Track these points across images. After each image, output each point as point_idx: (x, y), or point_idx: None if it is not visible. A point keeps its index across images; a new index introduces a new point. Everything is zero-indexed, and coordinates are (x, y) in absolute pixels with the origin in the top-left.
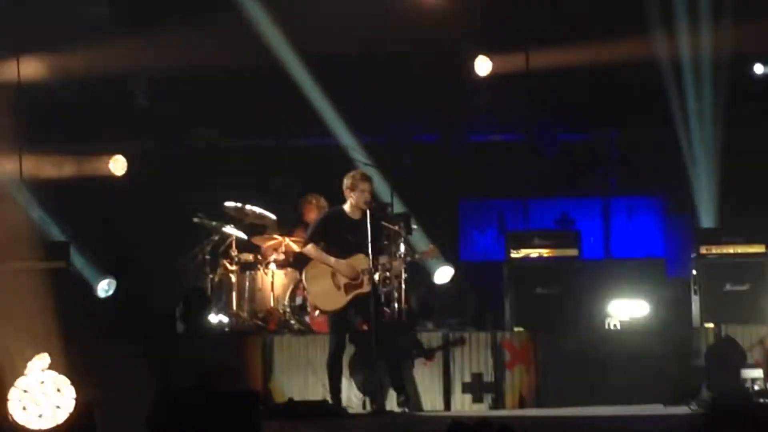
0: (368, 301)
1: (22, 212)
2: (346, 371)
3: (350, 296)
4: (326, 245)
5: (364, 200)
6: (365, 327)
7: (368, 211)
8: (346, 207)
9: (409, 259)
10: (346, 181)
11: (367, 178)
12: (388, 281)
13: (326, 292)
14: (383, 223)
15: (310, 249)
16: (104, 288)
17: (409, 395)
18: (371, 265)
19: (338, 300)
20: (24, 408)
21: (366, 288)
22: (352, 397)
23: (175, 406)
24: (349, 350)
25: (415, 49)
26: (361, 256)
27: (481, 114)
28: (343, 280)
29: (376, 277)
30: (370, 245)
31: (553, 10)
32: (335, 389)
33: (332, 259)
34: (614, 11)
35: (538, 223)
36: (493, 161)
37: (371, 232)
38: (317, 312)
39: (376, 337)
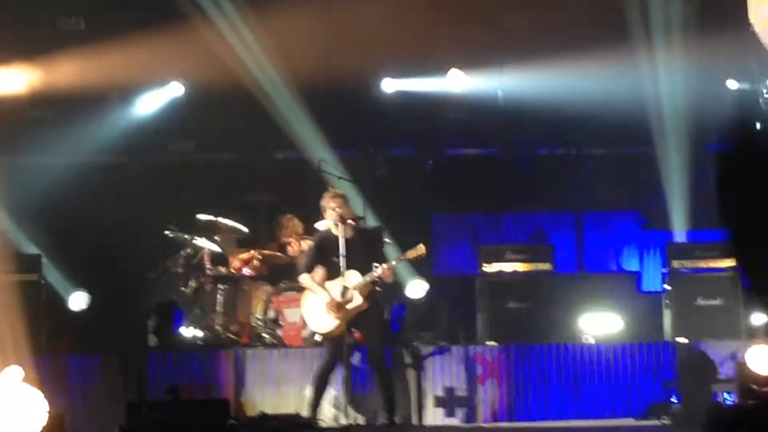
0: (363, 315)
1: None
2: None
3: (342, 315)
4: (324, 268)
5: (337, 216)
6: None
7: (341, 225)
8: (332, 228)
9: (394, 263)
10: (321, 204)
11: (336, 195)
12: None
13: (321, 317)
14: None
15: (302, 279)
16: (77, 301)
17: (393, 415)
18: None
19: (331, 322)
20: None
21: (356, 303)
22: (324, 410)
23: (148, 416)
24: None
25: (389, 63)
26: (350, 272)
27: (456, 128)
28: (334, 302)
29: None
30: (343, 259)
31: (528, 25)
32: (315, 405)
33: (321, 290)
34: (591, 27)
35: (511, 238)
36: (466, 175)
37: (362, 246)
38: (318, 337)
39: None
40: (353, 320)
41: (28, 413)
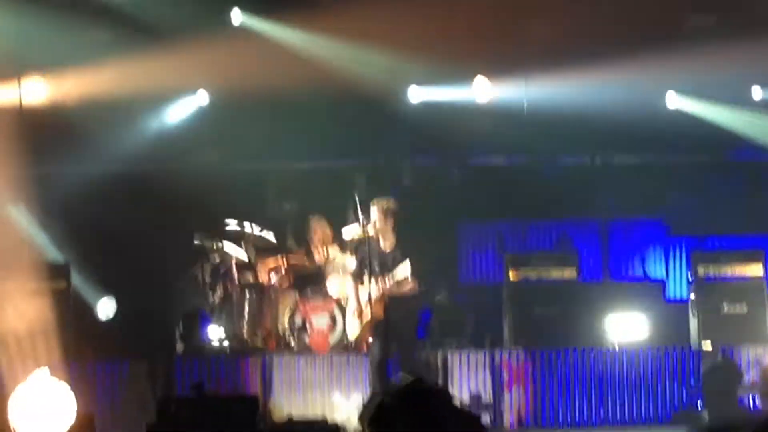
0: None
1: (23, 234)
2: (344, 391)
3: (360, 321)
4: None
5: (388, 231)
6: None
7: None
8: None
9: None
10: (374, 207)
11: (395, 211)
12: None
13: (349, 323)
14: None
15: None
16: (104, 308)
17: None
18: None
19: (356, 327)
20: (25, 418)
21: (366, 316)
22: (350, 415)
23: (176, 413)
24: (346, 370)
25: (414, 72)
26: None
27: (481, 137)
28: (357, 310)
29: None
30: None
31: (552, 34)
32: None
33: (353, 297)
34: (612, 36)
35: (537, 245)
36: (492, 184)
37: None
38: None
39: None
40: (371, 328)
41: (57, 410)
